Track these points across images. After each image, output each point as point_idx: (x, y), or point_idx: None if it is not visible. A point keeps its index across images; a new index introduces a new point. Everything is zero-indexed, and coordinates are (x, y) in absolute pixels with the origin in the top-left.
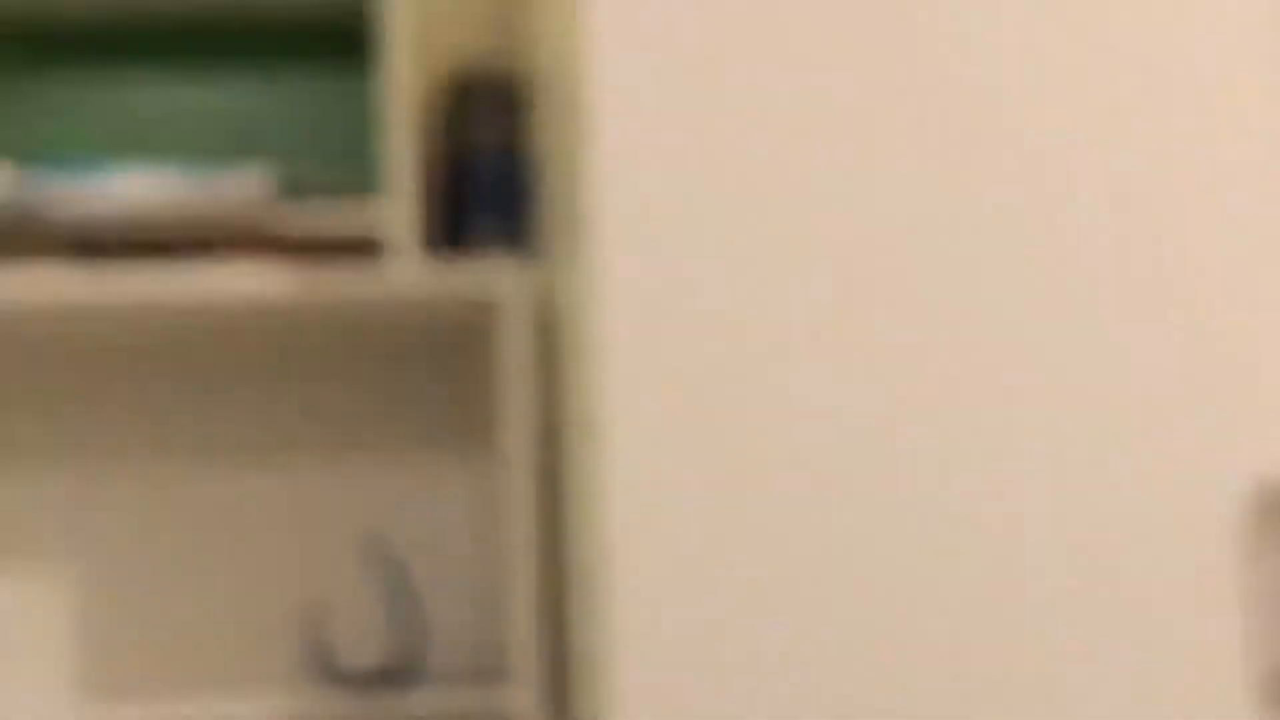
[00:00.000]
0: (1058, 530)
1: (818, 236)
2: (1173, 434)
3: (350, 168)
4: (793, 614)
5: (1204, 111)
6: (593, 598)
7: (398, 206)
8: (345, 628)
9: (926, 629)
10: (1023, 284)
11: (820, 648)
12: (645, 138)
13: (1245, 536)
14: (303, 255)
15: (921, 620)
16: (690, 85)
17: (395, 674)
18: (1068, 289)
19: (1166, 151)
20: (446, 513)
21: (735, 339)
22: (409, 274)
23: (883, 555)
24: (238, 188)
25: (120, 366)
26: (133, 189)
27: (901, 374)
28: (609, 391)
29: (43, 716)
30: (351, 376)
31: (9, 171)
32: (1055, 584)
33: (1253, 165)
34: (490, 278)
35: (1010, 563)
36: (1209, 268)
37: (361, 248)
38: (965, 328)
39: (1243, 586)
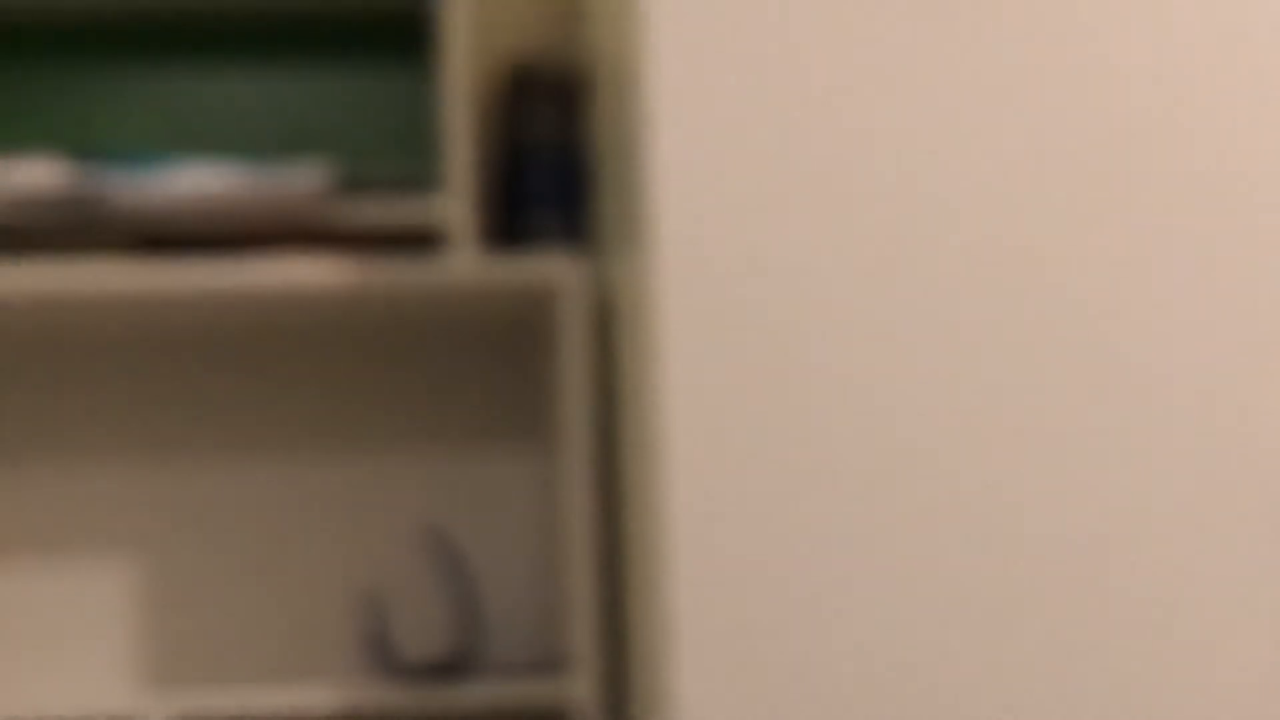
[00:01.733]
0: (1128, 531)
1: (875, 228)
2: (1221, 434)
3: (409, 162)
4: (849, 603)
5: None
6: (650, 587)
7: (456, 200)
8: (404, 618)
9: (978, 621)
10: (1089, 280)
11: (875, 634)
12: (701, 130)
13: None
14: (362, 249)
15: (973, 612)
16: (746, 77)
17: (454, 665)
18: (1138, 294)
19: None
20: (505, 503)
21: (791, 331)
22: (467, 267)
23: (938, 545)
24: (297, 182)
25: (180, 359)
26: (193, 183)
27: (957, 364)
28: (664, 382)
29: (104, 706)
30: (410, 368)
31: (70, 165)
32: (1125, 584)
33: None
34: (548, 270)
35: (1074, 564)
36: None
37: (420, 241)
38: (1031, 325)
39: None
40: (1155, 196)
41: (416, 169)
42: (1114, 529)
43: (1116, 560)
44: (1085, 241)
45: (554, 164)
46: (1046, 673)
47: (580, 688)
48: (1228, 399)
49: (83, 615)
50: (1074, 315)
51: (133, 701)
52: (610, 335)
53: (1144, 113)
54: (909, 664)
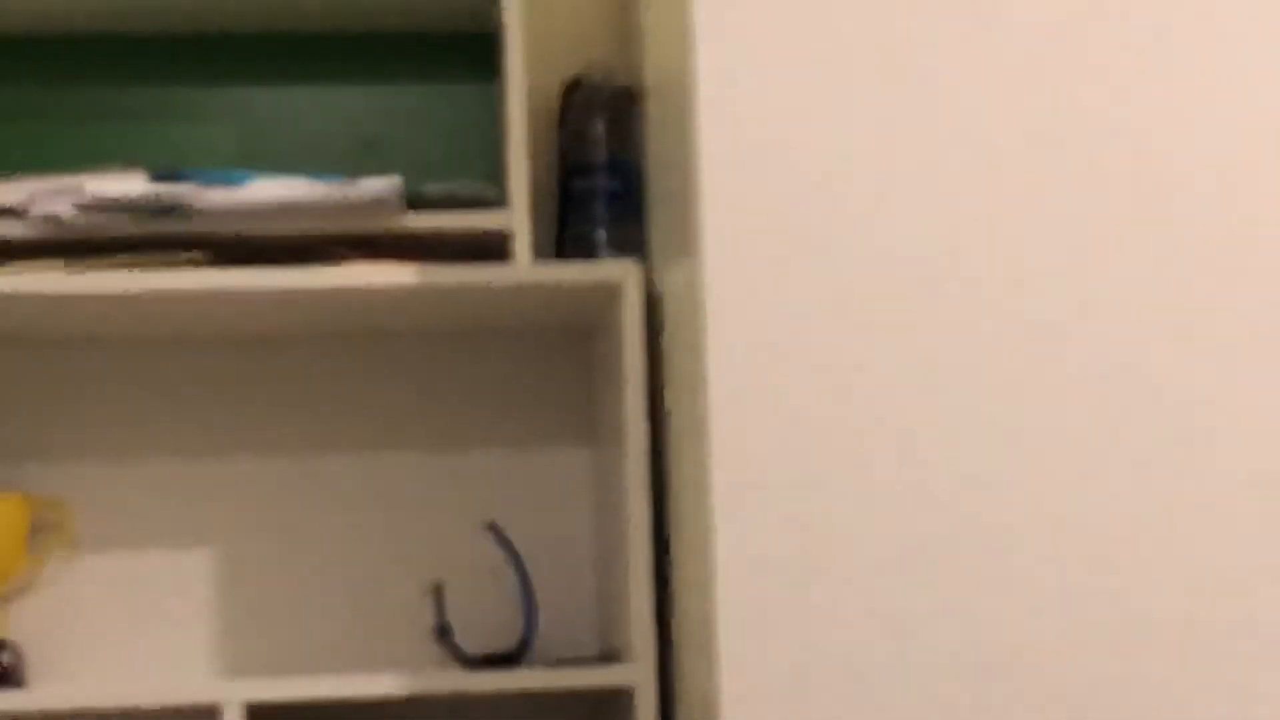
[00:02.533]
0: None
1: (914, 237)
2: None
3: (473, 174)
4: (889, 598)
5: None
6: (699, 581)
7: (517, 210)
8: (469, 611)
9: (1021, 617)
10: (1111, 295)
11: (915, 628)
12: (748, 141)
13: None
14: (429, 257)
15: (1017, 609)
16: (791, 91)
17: (515, 655)
18: (1154, 313)
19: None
20: (564, 499)
21: (834, 335)
22: (528, 274)
23: (977, 543)
24: (367, 194)
25: (257, 361)
26: (269, 193)
27: (991, 370)
28: (714, 382)
29: (183, 694)
30: (473, 371)
31: (150, 176)
32: (1147, 581)
33: None
34: (607, 271)
35: (1097, 563)
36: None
37: (485, 251)
38: (1057, 329)
39: None
40: (1159, 200)
41: (481, 181)
42: (1148, 530)
43: (1144, 561)
44: (1117, 251)
45: (609, 175)
46: (1093, 669)
47: (636, 676)
48: (1232, 401)
49: (161, 605)
50: (1099, 325)
51: (210, 690)
52: (661, 341)
53: (1156, 129)
54: (947, 658)
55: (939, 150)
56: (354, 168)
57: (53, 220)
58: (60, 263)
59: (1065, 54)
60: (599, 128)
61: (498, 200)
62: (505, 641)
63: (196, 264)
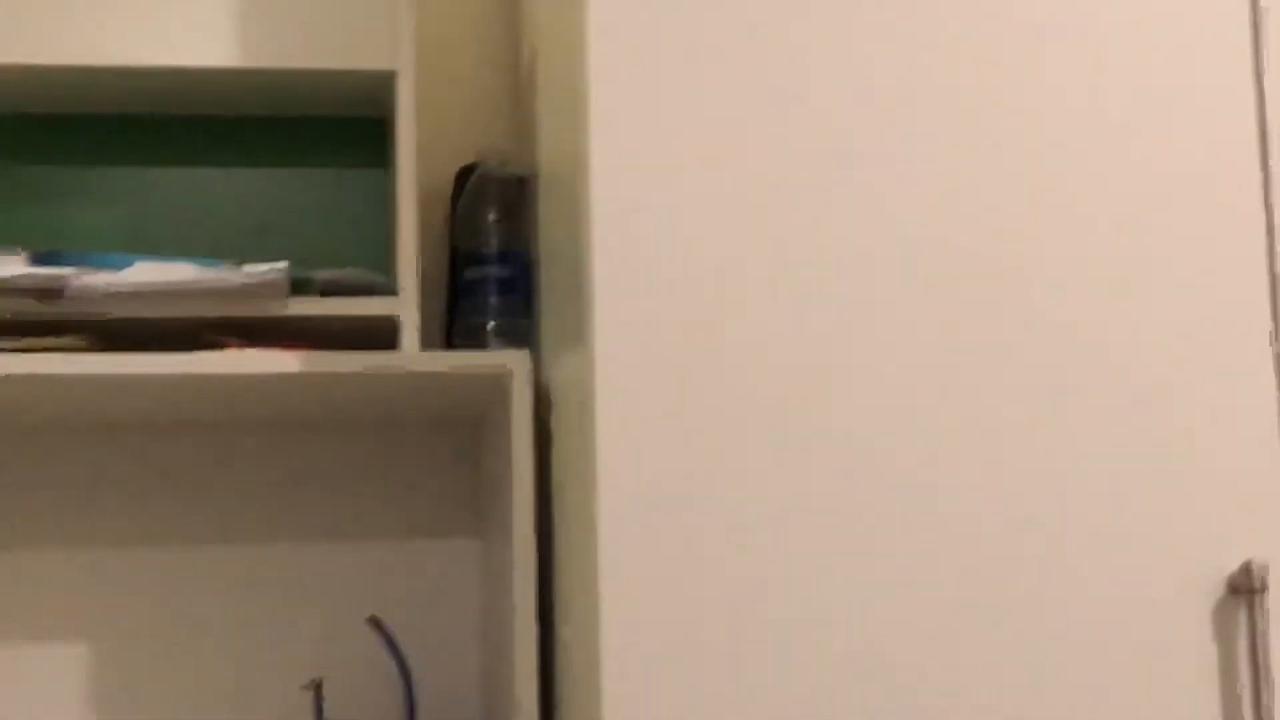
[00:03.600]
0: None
1: (813, 336)
2: (1162, 522)
3: (363, 260)
4: (780, 691)
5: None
6: (587, 678)
7: (407, 298)
8: (349, 706)
9: (924, 664)
10: (1011, 344)
11: (817, 699)
12: (643, 230)
13: (1220, 621)
14: (315, 345)
15: (919, 655)
16: (689, 185)
17: None
18: (1062, 368)
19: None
20: (451, 592)
21: (730, 430)
22: (416, 362)
23: (887, 628)
24: (252, 279)
25: (132, 448)
26: (153, 276)
27: (899, 460)
28: (603, 473)
29: None
30: (356, 462)
31: (31, 258)
32: (1045, 632)
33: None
34: (497, 360)
35: (1006, 622)
36: (1196, 368)
37: (372, 339)
38: (953, 406)
39: (1218, 669)
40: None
41: (372, 267)
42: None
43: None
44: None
45: (500, 264)
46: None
47: None
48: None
49: (33, 700)
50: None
51: None
52: (550, 430)
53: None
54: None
55: (838, 243)
56: (244, 252)
57: None
58: None
59: (968, 143)
60: (491, 216)
61: (387, 288)
62: None
63: (75, 349)
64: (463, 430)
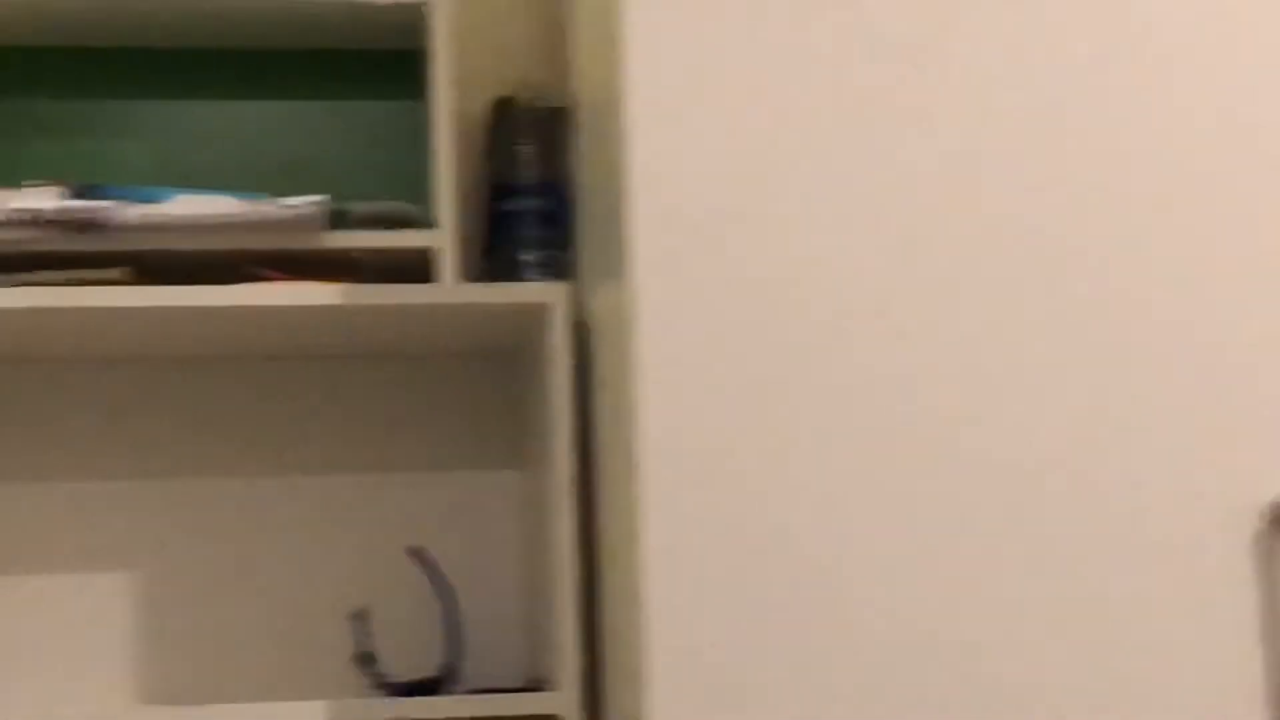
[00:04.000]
0: (1073, 537)
1: (849, 261)
2: (1193, 454)
3: (400, 194)
4: (824, 626)
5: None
6: (628, 607)
7: (443, 231)
8: (392, 637)
9: (950, 641)
10: (1042, 296)
11: (853, 654)
12: (679, 159)
13: (1259, 552)
14: (353, 278)
15: (944, 632)
16: (725, 114)
17: (439, 683)
18: (1096, 307)
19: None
20: (491, 523)
21: (766, 354)
22: (454, 295)
23: (923, 563)
24: (291, 212)
25: (172, 380)
26: (191, 210)
27: (926, 383)
28: (643, 403)
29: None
30: (396, 394)
31: (70, 193)
32: (1072, 593)
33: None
34: (535, 292)
35: (1028, 573)
36: (1233, 298)
37: (410, 272)
38: (987, 344)
39: (1257, 601)
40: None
41: (408, 200)
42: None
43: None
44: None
45: (538, 196)
46: (1047, 680)
47: (563, 703)
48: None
49: (77, 632)
50: (1040, 326)
51: (127, 718)
52: (589, 361)
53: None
54: (890, 678)
55: (873, 170)
56: (279, 186)
57: None
58: None
59: (1007, 99)
60: (528, 148)
61: (424, 220)
62: (430, 668)
63: (117, 281)
64: (501, 361)
